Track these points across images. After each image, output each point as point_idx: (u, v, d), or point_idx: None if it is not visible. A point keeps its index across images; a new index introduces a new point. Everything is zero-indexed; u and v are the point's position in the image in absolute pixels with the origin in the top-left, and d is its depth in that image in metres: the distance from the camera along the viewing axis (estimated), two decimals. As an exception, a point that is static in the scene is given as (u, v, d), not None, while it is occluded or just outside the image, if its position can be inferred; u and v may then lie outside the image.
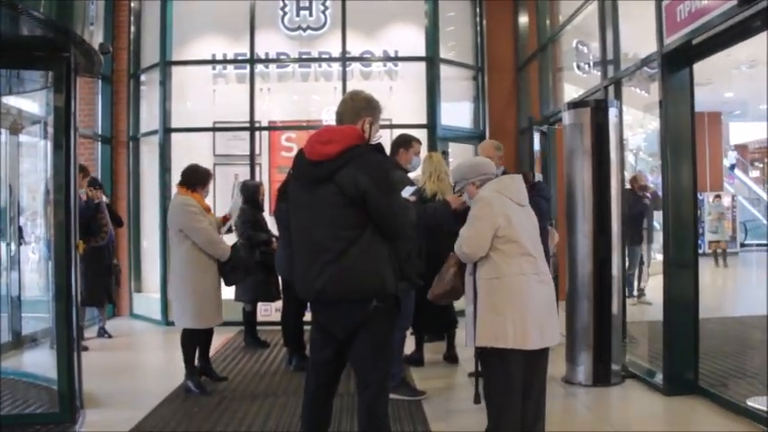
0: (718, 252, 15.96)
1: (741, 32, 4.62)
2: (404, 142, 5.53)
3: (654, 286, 9.29)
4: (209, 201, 5.87)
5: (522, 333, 3.56)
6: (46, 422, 4.65)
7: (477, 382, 3.91)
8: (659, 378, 5.43)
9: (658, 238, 8.75)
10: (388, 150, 4.45)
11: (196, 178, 5.63)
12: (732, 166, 22.43)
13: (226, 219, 5.94)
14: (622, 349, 5.92)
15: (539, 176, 8.46)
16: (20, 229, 6.84)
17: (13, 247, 6.84)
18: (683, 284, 5.33)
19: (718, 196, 17.50)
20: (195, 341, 5.62)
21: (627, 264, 9.30)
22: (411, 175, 5.66)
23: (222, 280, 5.70)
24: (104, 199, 7.73)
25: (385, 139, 5.59)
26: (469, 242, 3.66)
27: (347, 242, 3.13)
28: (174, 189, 8.85)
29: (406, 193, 4.43)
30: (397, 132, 6.07)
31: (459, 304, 6.41)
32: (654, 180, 14.39)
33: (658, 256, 8.01)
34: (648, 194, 9.54)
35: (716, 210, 16.65)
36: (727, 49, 4.99)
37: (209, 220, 5.55)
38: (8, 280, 6.82)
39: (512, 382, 3.62)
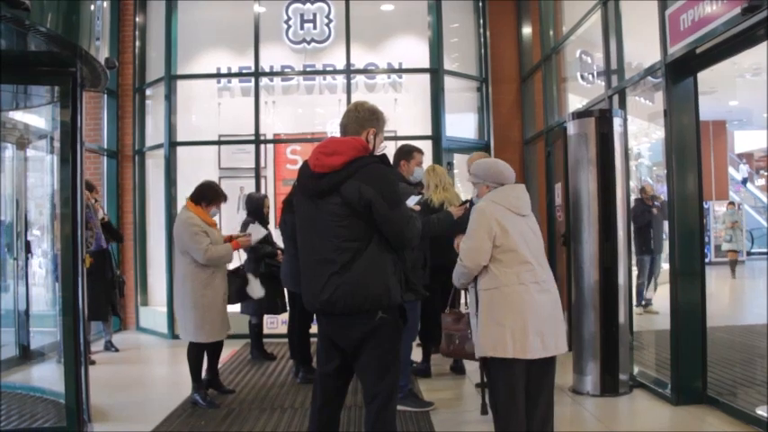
0: (732, 261, 15.39)
1: (745, 40, 4.62)
2: (405, 153, 5.54)
3: (660, 295, 9.28)
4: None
5: (522, 343, 3.56)
6: (53, 436, 4.66)
7: (483, 393, 3.92)
8: (667, 388, 5.41)
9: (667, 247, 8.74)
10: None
11: (203, 194, 5.56)
12: (744, 180, 22.34)
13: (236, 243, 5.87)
14: (630, 359, 5.90)
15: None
16: (27, 243, 6.86)
17: (20, 261, 6.86)
18: (689, 293, 5.31)
19: (732, 203, 16.90)
20: (201, 355, 5.60)
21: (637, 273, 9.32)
22: (414, 186, 5.68)
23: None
24: (100, 210, 7.62)
25: (390, 150, 5.59)
26: (469, 255, 3.69)
27: (352, 254, 3.13)
28: (180, 202, 8.95)
29: (411, 202, 4.44)
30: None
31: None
32: (658, 189, 14.40)
33: (665, 266, 8.00)
34: (657, 204, 9.54)
35: (730, 218, 15.91)
36: (731, 57, 4.99)
37: (211, 236, 5.44)
38: (16, 294, 6.84)
39: (514, 391, 3.62)
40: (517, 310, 3.58)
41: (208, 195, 5.56)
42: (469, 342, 4.02)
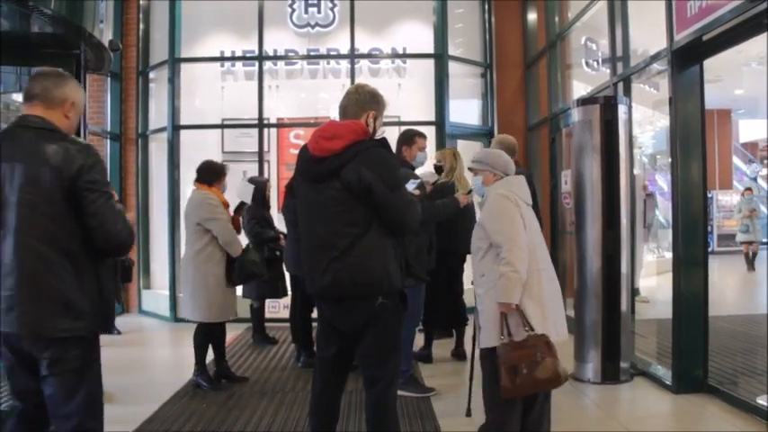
0: (750, 253, 14.13)
1: (752, 28, 4.59)
2: (407, 138, 5.51)
3: (648, 285, 9.32)
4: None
5: (541, 330, 3.50)
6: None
7: (470, 395, 3.81)
8: (668, 376, 5.41)
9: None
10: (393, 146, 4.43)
11: (212, 174, 5.67)
12: (755, 178, 22.11)
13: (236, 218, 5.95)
14: (631, 347, 5.91)
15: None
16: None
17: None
18: (692, 282, 5.31)
19: (749, 189, 15.28)
20: (208, 338, 5.64)
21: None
22: (419, 171, 5.66)
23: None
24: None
25: (393, 135, 5.57)
26: (521, 255, 3.46)
27: (352, 238, 3.12)
28: (183, 186, 8.95)
29: (411, 186, 4.42)
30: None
31: (468, 301, 6.44)
32: (661, 178, 14.33)
33: (667, 254, 7.99)
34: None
35: (747, 206, 14.38)
36: (737, 45, 4.96)
37: (227, 215, 5.61)
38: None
39: None
40: (535, 298, 3.51)
41: (217, 173, 5.69)
42: (543, 365, 3.54)
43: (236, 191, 6.27)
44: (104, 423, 2.96)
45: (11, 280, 2.64)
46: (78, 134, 4.73)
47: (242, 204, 6.60)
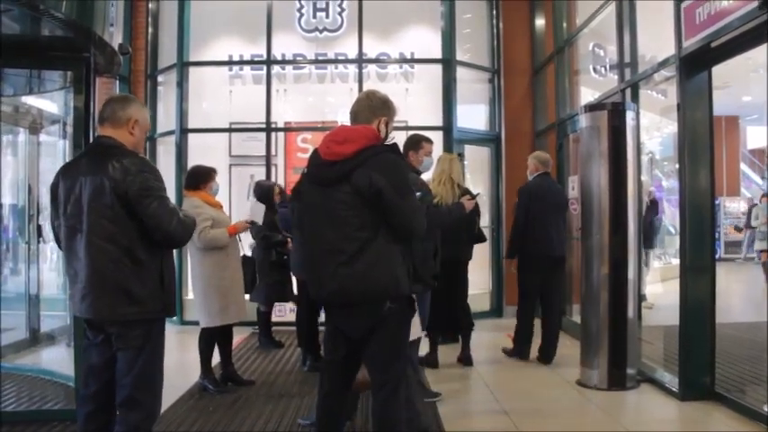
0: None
1: (761, 36, 4.57)
2: (413, 143, 5.50)
3: (655, 292, 9.27)
4: (224, 200, 5.83)
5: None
6: (63, 419, 4.68)
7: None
8: (675, 382, 5.40)
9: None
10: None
11: (195, 178, 5.66)
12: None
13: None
14: (638, 353, 5.89)
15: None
16: (38, 227, 6.89)
17: (32, 245, 6.89)
18: (699, 289, 5.29)
19: (766, 196, 13.97)
20: (212, 341, 5.65)
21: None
22: (424, 176, 5.67)
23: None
24: None
25: (400, 140, 5.57)
26: None
27: (361, 243, 3.11)
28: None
29: (418, 192, 4.44)
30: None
31: (474, 307, 6.43)
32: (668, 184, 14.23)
33: (674, 261, 7.96)
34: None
35: (764, 212, 13.30)
36: (746, 52, 4.94)
37: (215, 217, 5.52)
38: (27, 278, 6.88)
39: None
40: None
41: (200, 177, 5.67)
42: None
43: (250, 209, 6.24)
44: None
45: (83, 274, 3.15)
46: (87, 137, 4.79)
47: (252, 222, 6.60)
